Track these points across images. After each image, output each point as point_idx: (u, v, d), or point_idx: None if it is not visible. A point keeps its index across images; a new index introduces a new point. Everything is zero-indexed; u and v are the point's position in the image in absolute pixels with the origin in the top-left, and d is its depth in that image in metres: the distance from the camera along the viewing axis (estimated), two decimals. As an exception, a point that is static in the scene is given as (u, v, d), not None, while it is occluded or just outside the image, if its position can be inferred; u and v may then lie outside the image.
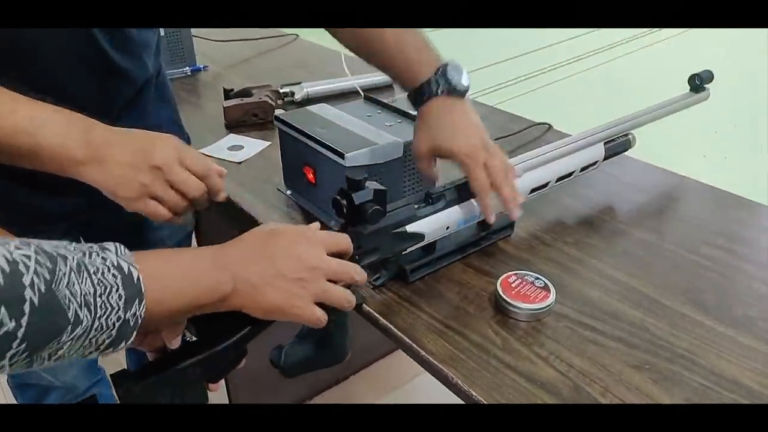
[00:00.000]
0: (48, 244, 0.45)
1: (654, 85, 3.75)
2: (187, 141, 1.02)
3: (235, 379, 1.49)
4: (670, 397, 0.58)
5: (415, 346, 0.65)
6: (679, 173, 1.02)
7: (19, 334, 0.40)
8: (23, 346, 0.41)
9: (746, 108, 3.31)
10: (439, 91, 0.75)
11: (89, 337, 0.45)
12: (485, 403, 0.58)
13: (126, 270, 0.48)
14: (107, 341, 0.47)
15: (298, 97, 1.25)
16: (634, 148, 0.98)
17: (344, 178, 0.79)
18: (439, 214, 0.74)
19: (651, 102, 0.99)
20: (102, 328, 0.46)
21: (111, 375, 0.56)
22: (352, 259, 0.65)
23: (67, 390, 1.07)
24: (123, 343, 0.48)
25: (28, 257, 0.42)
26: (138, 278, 0.48)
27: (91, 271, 0.45)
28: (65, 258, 0.44)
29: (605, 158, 0.92)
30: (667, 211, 0.91)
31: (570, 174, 0.87)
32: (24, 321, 0.41)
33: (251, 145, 1.09)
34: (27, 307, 0.41)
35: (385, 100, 0.99)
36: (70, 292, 0.44)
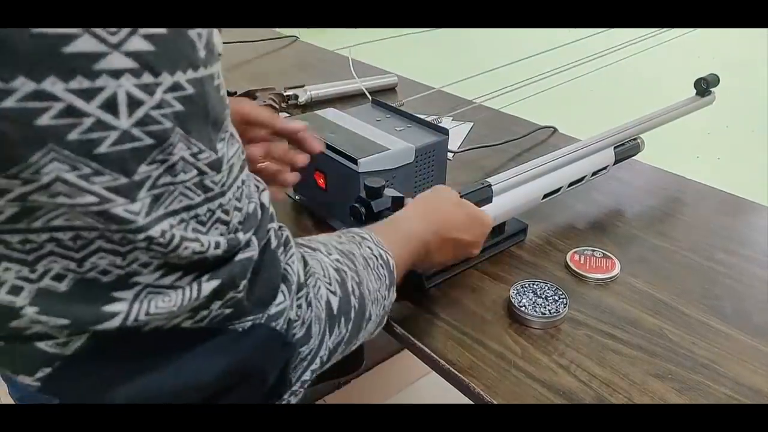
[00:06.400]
0: (332, 240, 0.48)
1: (649, 88, 3.78)
2: None
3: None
4: (696, 407, 0.57)
5: (434, 355, 0.64)
6: (684, 176, 1.02)
7: (345, 339, 0.44)
8: (340, 349, 0.44)
9: (737, 109, 3.33)
10: None
11: (369, 331, 0.49)
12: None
13: (384, 258, 0.50)
14: (374, 331, 0.51)
15: (302, 99, 1.24)
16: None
17: (356, 184, 0.78)
18: (454, 220, 0.73)
19: (650, 104, 0.98)
20: (378, 320, 0.49)
21: None
22: None
23: None
24: (376, 334, 0.52)
25: (340, 261, 0.45)
26: (393, 266, 0.51)
27: (371, 266, 0.48)
28: (353, 255, 0.47)
29: (615, 162, 0.92)
30: (678, 215, 0.90)
31: (582, 179, 0.87)
32: (349, 326, 0.44)
33: (256, 149, 1.08)
34: (353, 314, 0.44)
35: (392, 104, 0.98)
36: (368, 290, 0.47)
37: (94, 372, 0.32)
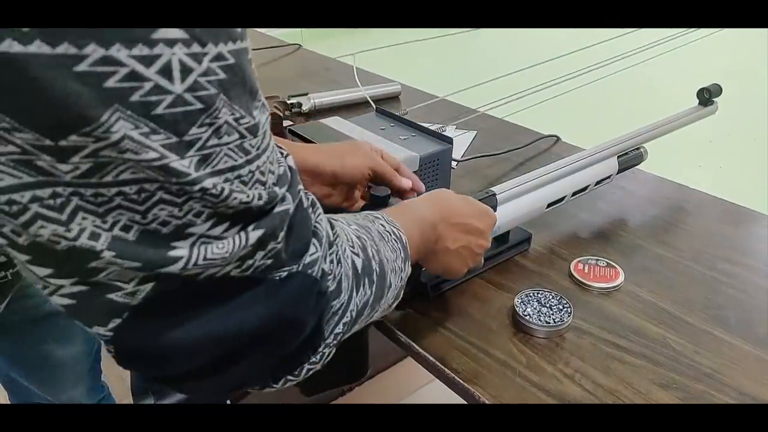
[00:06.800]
0: (348, 216, 0.51)
1: (652, 97, 3.79)
2: None
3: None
4: (700, 416, 0.57)
5: (439, 364, 0.64)
6: (687, 186, 1.03)
7: (369, 301, 0.47)
8: (366, 311, 0.47)
9: (739, 118, 3.34)
10: None
11: (389, 301, 0.52)
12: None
13: (397, 234, 0.54)
14: (392, 303, 0.54)
15: (305, 107, 1.24)
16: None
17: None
18: (459, 229, 0.73)
19: (653, 113, 0.99)
20: (396, 291, 0.53)
21: None
22: None
23: None
24: (394, 307, 0.56)
25: (359, 231, 0.49)
26: (406, 241, 0.54)
27: (386, 239, 0.52)
28: (369, 229, 0.51)
29: (618, 171, 0.93)
30: (681, 224, 0.91)
31: (585, 188, 0.87)
32: (373, 288, 0.47)
33: (260, 157, 1.08)
34: (375, 277, 0.48)
35: (396, 112, 0.99)
36: (386, 258, 0.50)
37: (156, 319, 0.35)
